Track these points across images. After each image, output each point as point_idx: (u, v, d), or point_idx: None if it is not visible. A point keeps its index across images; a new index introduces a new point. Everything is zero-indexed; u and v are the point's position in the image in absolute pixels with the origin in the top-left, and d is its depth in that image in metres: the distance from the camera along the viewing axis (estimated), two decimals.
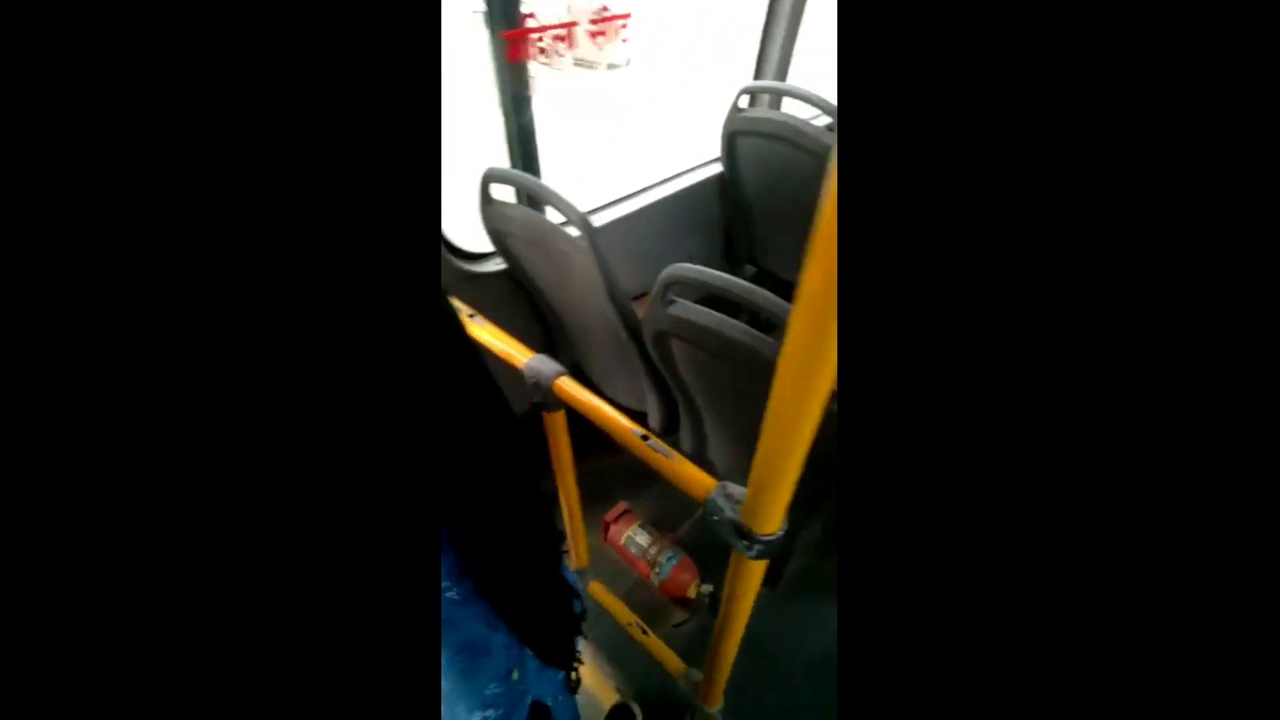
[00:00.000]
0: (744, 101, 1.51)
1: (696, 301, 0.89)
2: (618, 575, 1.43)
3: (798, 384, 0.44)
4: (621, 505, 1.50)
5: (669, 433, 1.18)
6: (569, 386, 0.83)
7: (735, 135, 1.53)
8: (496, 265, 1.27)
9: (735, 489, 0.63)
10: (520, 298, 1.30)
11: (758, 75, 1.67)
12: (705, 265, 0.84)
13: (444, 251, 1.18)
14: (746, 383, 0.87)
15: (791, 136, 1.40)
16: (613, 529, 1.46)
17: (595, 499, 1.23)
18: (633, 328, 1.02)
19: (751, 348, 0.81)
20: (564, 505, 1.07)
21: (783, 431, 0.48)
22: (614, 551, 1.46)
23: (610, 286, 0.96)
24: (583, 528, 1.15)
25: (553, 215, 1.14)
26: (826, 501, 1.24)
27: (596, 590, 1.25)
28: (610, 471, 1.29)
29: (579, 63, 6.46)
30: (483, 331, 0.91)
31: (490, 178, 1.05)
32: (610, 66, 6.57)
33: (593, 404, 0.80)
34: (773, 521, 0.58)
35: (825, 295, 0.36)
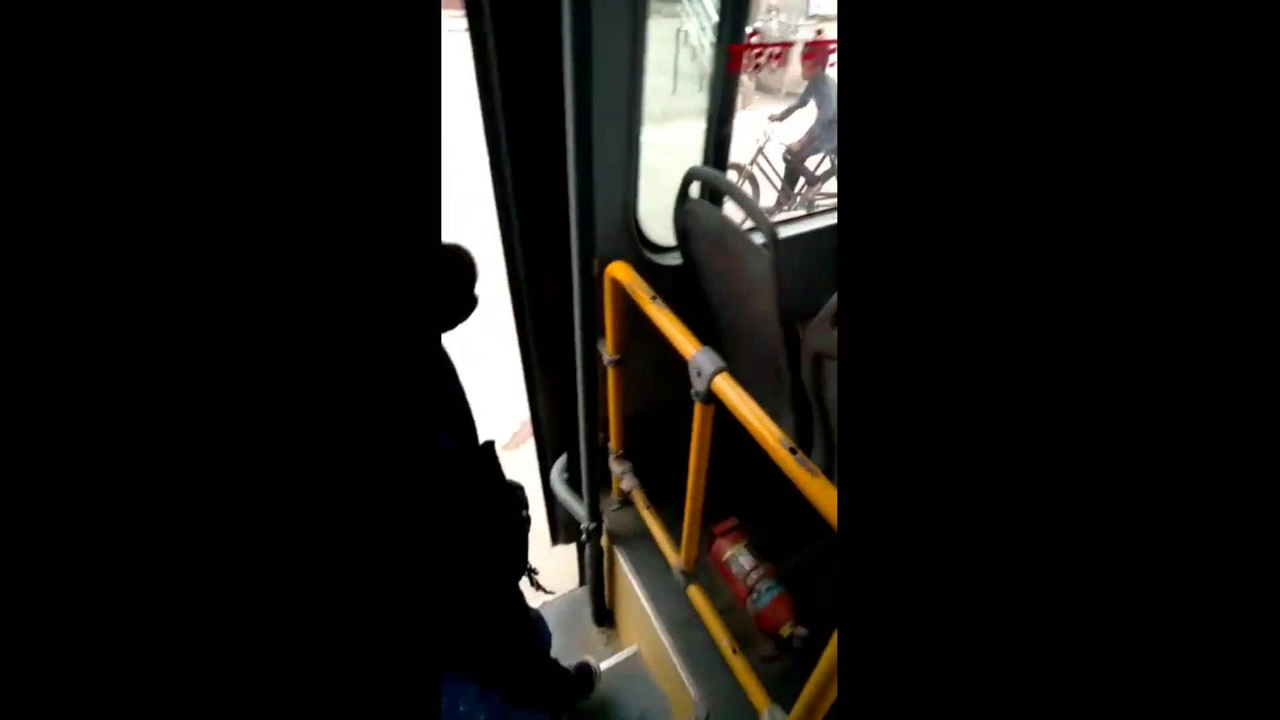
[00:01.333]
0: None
1: None
2: (714, 590, 1.41)
3: None
4: (733, 520, 1.47)
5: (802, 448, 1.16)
6: (727, 386, 0.84)
7: None
8: (675, 260, 1.32)
9: None
10: (687, 294, 1.35)
11: None
12: None
13: (635, 240, 1.25)
14: None
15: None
16: (719, 542, 1.44)
17: (707, 505, 1.24)
18: (790, 342, 1.02)
19: None
20: (688, 500, 1.08)
21: None
22: (714, 565, 1.45)
23: (779, 297, 0.97)
24: (698, 530, 1.15)
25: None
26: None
27: (695, 595, 1.24)
28: (730, 482, 1.28)
29: (760, 87, 6.56)
30: (660, 315, 0.96)
31: (692, 176, 1.10)
32: (788, 94, 6.60)
33: (747, 408, 0.80)
34: None
35: None
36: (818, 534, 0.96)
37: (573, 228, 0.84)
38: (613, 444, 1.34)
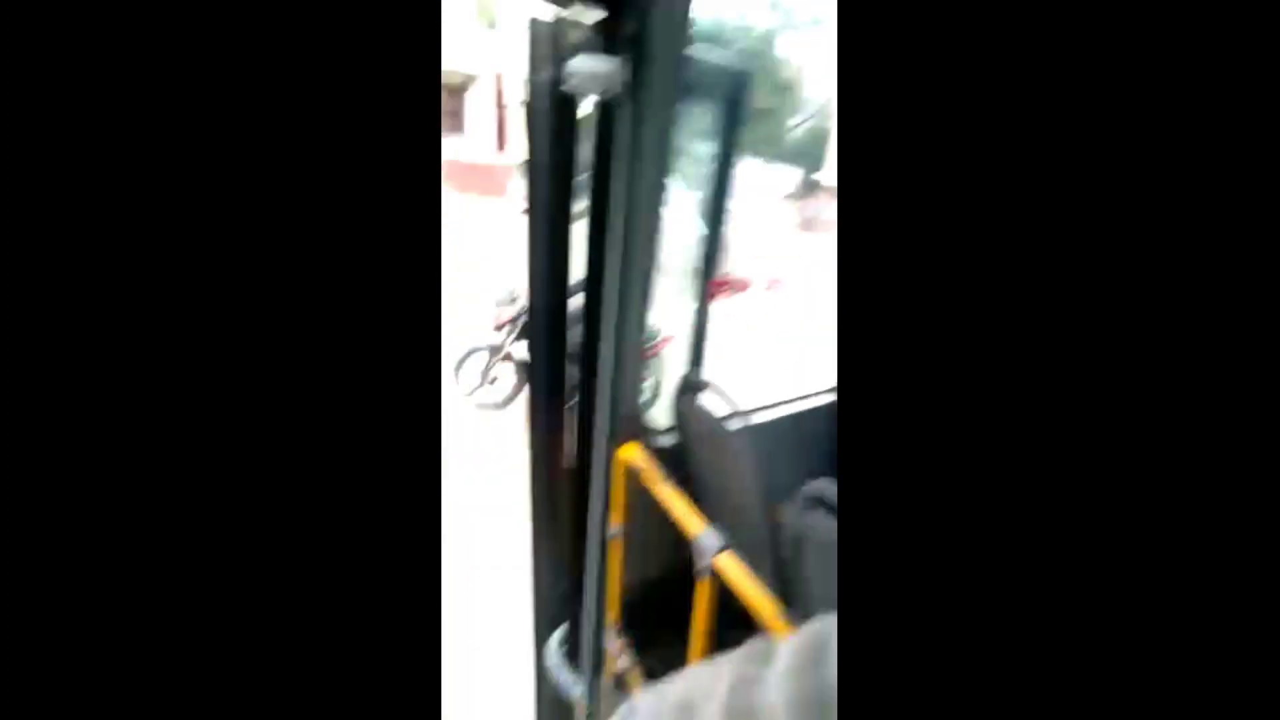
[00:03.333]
0: None
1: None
2: None
3: None
4: None
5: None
6: (729, 563, 0.96)
7: None
8: (667, 441, 1.50)
9: None
10: (679, 473, 1.50)
11: None
12: None
13: (641, 424, 1.45)
14: None
15: None
16: None
17: None
18: (773, 526, 1.13)
19: None
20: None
21: None
22: None
23: (756, 480, 1.09)
24: None
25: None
26: None
27: None
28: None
29: None
30: (669, 495, 1.11)
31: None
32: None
33: (747, 585, 0.91)
34: None
35: None
36: None
37: (603, 415, 0.98)
38: (611, 617, 1.37)
